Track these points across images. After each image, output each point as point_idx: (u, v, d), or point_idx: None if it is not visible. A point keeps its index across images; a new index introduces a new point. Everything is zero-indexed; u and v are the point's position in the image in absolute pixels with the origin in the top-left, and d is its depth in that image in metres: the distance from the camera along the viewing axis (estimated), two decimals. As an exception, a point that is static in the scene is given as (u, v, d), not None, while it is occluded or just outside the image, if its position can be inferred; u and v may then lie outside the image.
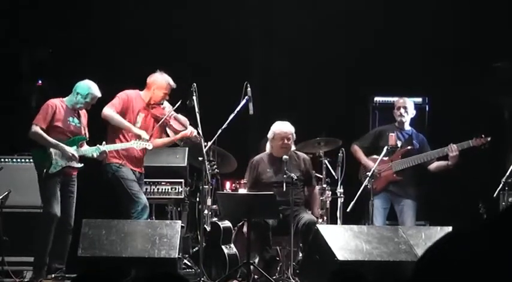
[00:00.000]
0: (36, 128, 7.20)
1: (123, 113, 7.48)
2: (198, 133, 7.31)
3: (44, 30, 9.33)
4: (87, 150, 7.35)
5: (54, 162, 7.18)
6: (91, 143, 7.46)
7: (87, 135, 7.45)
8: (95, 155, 7.32)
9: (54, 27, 9.36)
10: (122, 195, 7.42)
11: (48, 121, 7.23)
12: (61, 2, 9.59)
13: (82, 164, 7.33)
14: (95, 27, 9.58)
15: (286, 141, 7.46)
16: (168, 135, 7.78)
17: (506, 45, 8.95)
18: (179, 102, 7.43)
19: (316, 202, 7.66)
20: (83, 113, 7.45)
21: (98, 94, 7.35)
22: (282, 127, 7.49)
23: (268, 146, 7.60)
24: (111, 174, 7.43)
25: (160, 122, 7.58)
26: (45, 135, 7.20)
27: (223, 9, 9.66)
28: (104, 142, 7.39)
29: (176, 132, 7.70)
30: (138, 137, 7.41)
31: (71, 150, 7.22)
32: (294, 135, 7.52)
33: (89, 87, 7.33)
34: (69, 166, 7.25)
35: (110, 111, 7.43)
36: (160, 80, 7.59)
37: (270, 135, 7.53)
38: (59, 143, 7.20)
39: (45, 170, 7.17)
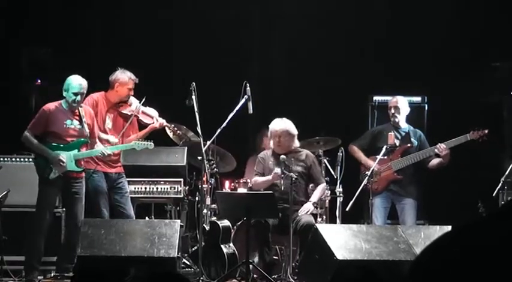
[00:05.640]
0: (26, 134, 7.15)
1: (92, 117, 7.37)
2: (198, 134, 7.29)
3: (44, 29, 9.32)
4: (87, 153, 7.26)
5: (54, 169, 7.12)
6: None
7: (95, 135, 7.32)
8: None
9: (54, 27, 9.36)
10: (87, 200, 7.40)
11: (41, 127, 7.15)
12: (61, 1, 9.59)
13: (82, 168, 7.26)
14: (95, 26, 9.58)
15: (278, 139, 7.44)
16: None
17: (505, 45, 8.95)
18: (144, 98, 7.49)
19: (316, 195, 7.53)
20: (87, 113, 7.29)
21: (77, 81, 7.09)
22: (274, 125, 7.48)
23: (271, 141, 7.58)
24: (85, 179, 7.40)
25: (130, 120, 7.58)
26: (32, 140, 7.12)
27: (224, 8, 9.66)
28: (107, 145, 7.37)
29: (147, 125, 7.72)
30: (107, 141, 7.39)
31: (58, 155, 7.08)
32: (291, 132, 7.46)
33: (67, 80, 7.16)
34: (69, 171, 7.17)
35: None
36: (122, 77, 7.59)
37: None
38: (45, 149, 7.11)
39: (45, 177, 7.14)
